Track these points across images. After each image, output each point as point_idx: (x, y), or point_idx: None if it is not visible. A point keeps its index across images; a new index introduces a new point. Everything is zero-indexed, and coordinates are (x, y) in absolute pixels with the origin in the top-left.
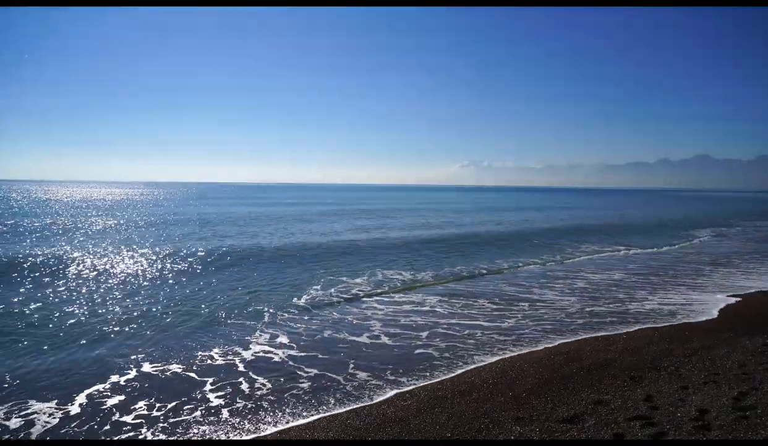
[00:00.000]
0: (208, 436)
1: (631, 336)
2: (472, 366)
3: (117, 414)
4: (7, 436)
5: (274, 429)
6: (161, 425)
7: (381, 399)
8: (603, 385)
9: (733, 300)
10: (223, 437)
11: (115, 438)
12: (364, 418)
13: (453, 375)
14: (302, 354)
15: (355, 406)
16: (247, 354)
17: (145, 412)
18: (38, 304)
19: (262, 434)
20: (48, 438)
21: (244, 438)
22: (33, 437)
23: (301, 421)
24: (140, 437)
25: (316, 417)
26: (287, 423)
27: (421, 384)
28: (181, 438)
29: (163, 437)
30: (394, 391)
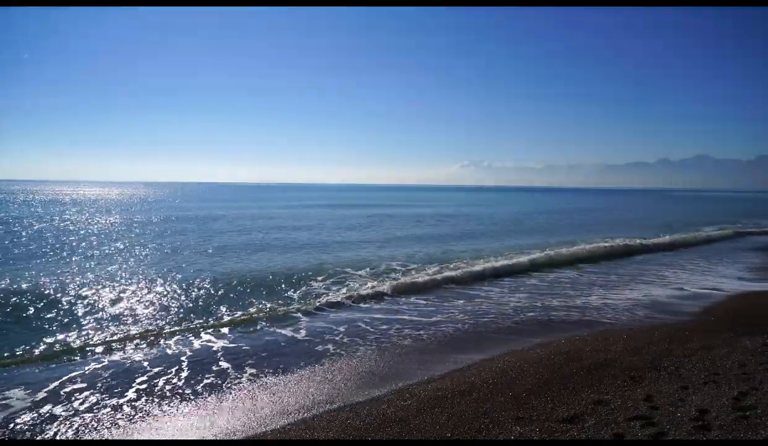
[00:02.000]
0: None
1: (631, 336)
2: (472, 365)
3: (55, 405)
4: None
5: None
6: (76, 422)
7: (381, 398)
8: (603, 385)
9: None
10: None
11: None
12: (364, 418)
13: (453, 374)
14: (233, 345)
15: (355, 406)
16: (197, 343)
17: (69, 405)
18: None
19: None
20: (47, 438)
21: (235, 438)
22: None
23: (301, 419)
24: (54, 428)
25: (316, 416)
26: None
27: (421, 384)
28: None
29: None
30: (391, 390)
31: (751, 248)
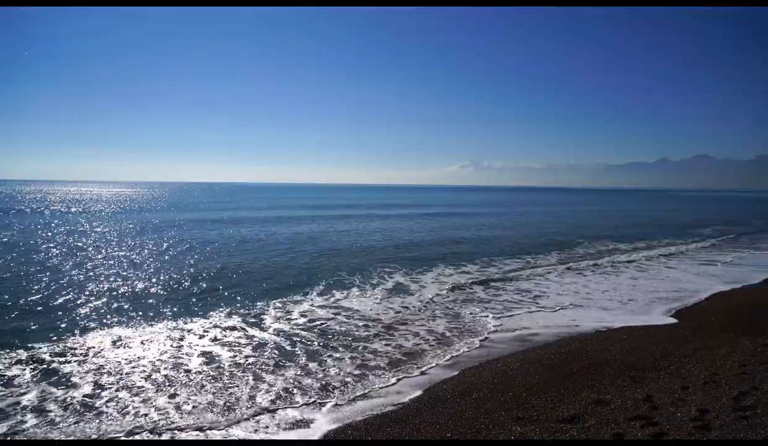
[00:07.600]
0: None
1: (631, 336)
2: (472, 366)
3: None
4: None
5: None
6: None
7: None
8: (603, 385)
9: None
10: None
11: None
12: (365, 418)
13: (453, 374)
14: None
15: (356, 406)
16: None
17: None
18: None
19: None
20: (49, 438)
21: (243, 438)
22: None
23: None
24: None
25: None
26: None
27: (422, 385)
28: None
29: None
30: (396, 392)
31: None
